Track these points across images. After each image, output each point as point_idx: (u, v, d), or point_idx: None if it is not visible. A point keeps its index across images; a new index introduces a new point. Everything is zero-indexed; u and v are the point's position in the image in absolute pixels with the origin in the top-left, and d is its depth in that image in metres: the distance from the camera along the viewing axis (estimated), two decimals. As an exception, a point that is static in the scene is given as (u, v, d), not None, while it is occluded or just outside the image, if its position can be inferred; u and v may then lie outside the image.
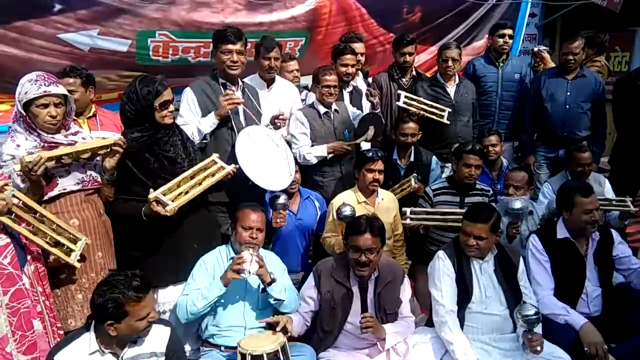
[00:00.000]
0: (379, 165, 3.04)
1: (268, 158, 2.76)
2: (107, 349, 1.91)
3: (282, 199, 2.81)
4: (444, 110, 3.67)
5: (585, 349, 2.40)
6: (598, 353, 2.38)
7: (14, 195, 1.97)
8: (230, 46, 2.75)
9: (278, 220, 2.84)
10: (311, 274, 2.52)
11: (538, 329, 2.30)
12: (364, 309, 2.39)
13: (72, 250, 2.15)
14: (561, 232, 2.73)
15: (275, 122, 3.18)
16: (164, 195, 2.21)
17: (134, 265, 2.04)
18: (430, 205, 3.26)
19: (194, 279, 2.37)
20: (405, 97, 3.63)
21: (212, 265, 2.40)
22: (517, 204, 2.86)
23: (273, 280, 2.32)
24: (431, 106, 3.66)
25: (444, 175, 3.66)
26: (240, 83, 2.95)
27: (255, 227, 2.39)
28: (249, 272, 2.23)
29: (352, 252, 2.34)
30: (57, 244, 2.12)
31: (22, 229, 2.01)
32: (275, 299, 2.37)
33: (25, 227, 2.03)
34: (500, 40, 4.07)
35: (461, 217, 2.87)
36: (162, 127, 2.33)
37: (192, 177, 2.36)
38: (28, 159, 1.98)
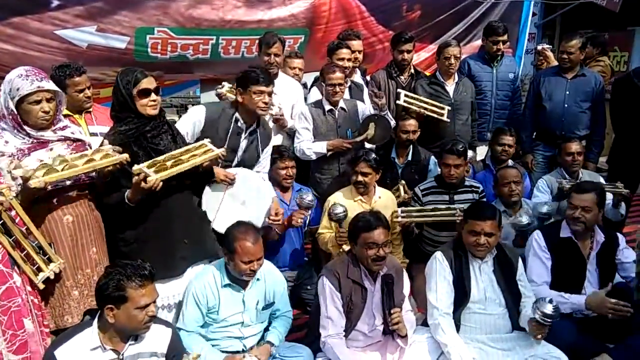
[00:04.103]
0: (362, 166, 3.02)
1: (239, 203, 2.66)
2: (108, 346, 1.89)
3: (309, 198, 2.98)
4: (443, 108, 3.65)
5: (609, 316, 2.43)
6: (616, 310, 2.40)
7: (11, 204, 1.95)
8: (263, 88, 2.62)
9: (299, 220, 2.99)
10: (325, 277, 2.38)
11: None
12: (390, 305, 2.35)
13: (42, 270, 2.10)
14: (565, 231, 2.73)
15: (277, 122, 3.19)
16: (148, 168, 2.16)
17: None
18: (420, 205, 3.24)
19: (187, 309, 2.30)
20: (405, 95, 3.61)
21: (203, 296, 2.30)
22: (524, 219, 2.92)
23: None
24: (431, 104, 3.64)
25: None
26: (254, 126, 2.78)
27: (255, 259, 2.26)
28: None
29: (369, 249, 2.31)
30: (29, 259, 2.08)
31: (4, 238, 1.98)
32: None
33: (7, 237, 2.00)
34: (494, 47, 4.03)
35: (452, 211, 2.96)
36: (147, 118, 2.29)
37: (180, 159, 2.29)
38: (35, 185, 1.91)
